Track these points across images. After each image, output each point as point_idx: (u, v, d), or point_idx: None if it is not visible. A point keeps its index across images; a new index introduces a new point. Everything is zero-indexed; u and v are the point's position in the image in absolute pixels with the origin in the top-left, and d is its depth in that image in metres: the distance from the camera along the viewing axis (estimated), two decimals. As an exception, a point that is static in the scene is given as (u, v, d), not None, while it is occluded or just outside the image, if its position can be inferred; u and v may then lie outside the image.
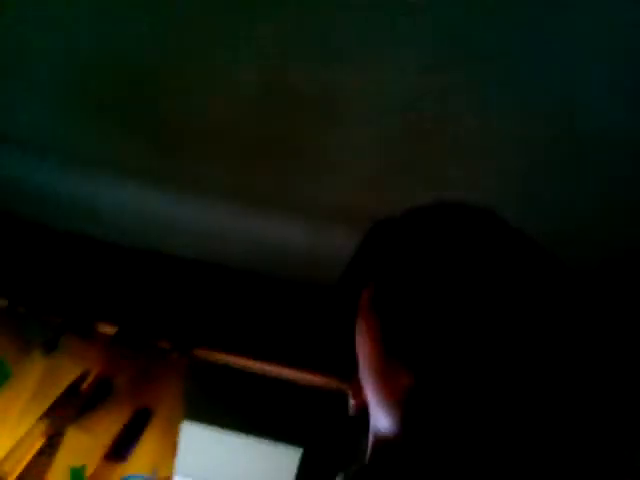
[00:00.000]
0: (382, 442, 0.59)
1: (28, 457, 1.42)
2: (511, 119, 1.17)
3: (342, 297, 0.75)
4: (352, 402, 0.69)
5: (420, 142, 1.27)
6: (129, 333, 1.63)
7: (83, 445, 1.41)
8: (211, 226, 1.69)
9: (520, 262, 0.61)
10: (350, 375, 0.69)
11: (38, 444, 1.44)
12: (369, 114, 1.25)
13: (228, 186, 1.55)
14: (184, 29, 1.17)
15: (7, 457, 1.39)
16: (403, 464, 0.54)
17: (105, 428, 1.45)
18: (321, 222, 1.55)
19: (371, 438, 0.63)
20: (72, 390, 1.52)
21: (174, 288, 1.79)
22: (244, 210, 1.61)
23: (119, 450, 1.44)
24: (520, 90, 1.11)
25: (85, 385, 1.54)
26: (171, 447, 1.46)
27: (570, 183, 1.28)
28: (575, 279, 0.61)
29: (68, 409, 1.48)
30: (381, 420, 0.59)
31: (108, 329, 1.65)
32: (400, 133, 1.27)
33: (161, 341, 1.63)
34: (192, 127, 1.41)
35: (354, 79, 1.18)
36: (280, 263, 1.72)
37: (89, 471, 1.39)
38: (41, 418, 1.46)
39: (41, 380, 1.50)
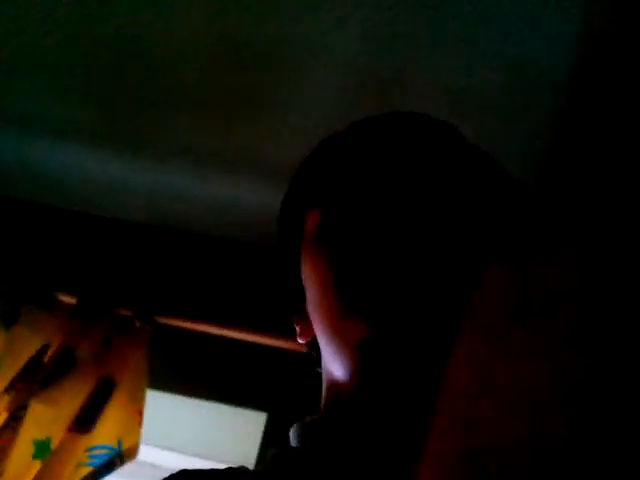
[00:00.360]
0: (336, 389, 0.55)
1: (-8, 431, 1.41)
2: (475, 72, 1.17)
3: (285, 227, 0.65)
4: (301, 340, 0.63)
5: (379, 95, 1.26)
6: (90, 302, 1.61)
7: (47, 417, 1.41)
8: (170, 190, 1.67)
9: (481, 180, 0.56)
10: (299, 311, 0.62)
11: (1, 418, 1.43)
12: (326, 66, 1.23)
13: (187, 149, 1.52)
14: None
15: (-30, 433, 1.38)
16: (359, 416, 0.52)
17: (69, 400, 1.44)
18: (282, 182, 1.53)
19: (324, 383, 0.58)
20: (34, 363, 1.50)
21: (133, 255, 1.77)
22: (205, 173, 1.59)
23: (84, 421, 1.43)
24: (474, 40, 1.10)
25: (47, 357, 1.52)
26: (136, 416, 1.47)
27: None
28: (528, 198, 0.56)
29: (31, 382, 1.47)
30: (334, 365, 0.55)
31: (68, 299, 1.63)
32: (359, 86, 1.25)
33: (122, 309, 1.61)
34: (149, 89, 1.38)
35: (307, 31, 1.16)
36: (241, 225, 1.71)
37: (54, 443, 1.39)
38: (4, 392, 1.44)
39: (2, 354, 1.48)
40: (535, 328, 0.26)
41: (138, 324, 1.58)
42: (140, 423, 1.46)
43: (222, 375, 1.60)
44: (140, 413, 1.47)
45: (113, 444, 1.43)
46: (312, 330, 0.58)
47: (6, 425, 1.42)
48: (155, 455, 1.58)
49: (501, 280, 0.30)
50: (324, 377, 0.58)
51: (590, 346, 0.24)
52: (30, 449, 1.37)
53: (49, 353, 1.52)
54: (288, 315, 0.65)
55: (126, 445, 1.43)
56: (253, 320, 1.58)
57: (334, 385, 0.55)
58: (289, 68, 1.25)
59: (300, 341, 0.63)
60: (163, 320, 1.61)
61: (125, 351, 1.54)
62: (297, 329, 0.63)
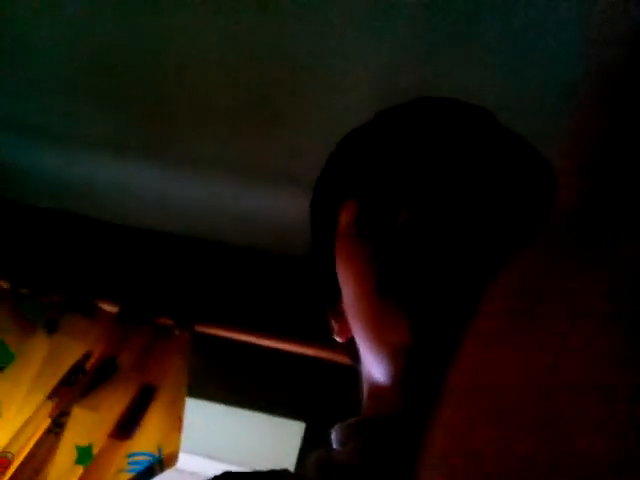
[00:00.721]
0: (376, 391, 0.52)
1: (35, 437, 1.43)
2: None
3: (318, 219, 0.61)
4: (338, 339, 0.59)
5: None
6: (131, 311, 1.63)
7: (89, 424, 1.42)
8: (209, 202, 1.68)
9: (523, 168, 0.51)
10: (334, 309, 0.58)
11: (45, 424, 1.45)
12: (351, 81, 1.23)
13: (226, 162, 1.54)
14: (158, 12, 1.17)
15: (15, 438, 1.40)
16: (400, 421, 0.47)
17: (110, 406, 1.46)
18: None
19: (364, 382, 0.55)
20: (76, 370, 1.52)
21: (174, 265, 1.79)
22: (246, 186, 1.60)
23: (124, 428, 1.45)
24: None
25: (89, 364, 1.54)
26: (176, 423, 1.47)
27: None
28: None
29: (73, 389, 1.49)
30: (373, 368, 0.51)
31: (110, 307, 1.65)
32: (380, 99, 1.25)
33: (163, 318, 1.63)
34: (178, 102, 1.39)
35: (327, 44, 1.16)
36: (279, 238, 1.71)
37: (95, 449, 1.41)
38: (47, 398, 1.46)
39: (45, 361, 1.51)
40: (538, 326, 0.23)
41: (178, 332, 1.60)
42: (180, 430, 1.47)
43: (261, 384, 1.60)
44: (180, 420, 1.48)
45: (153, 451, 1.44)
46: (349, 329, 0.54)
47: (49, 431, 1.44)
48: (195, 463, 1.59)
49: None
50: (364, 376, 0.55)
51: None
52: (73, 455, 1.38)
53: (91, 360, 1.54)
54: (323, 313, 0.61)
55: (166, 452, 1.44)
56: (292, 329, 1.58)
57: (375, 387, 0.52)
58: (310, 81, 1.26)
59: (337, 339, 0.59)
60: (203, 329, 1.62)
61: (165, 358, 1.55)
62: (334, 327, 0.59)
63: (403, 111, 0.57)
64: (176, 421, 1.47)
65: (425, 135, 0.52)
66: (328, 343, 0.64)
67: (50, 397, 1.47)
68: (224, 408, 1.58)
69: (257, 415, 1.56)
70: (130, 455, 1.42)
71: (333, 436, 0.53)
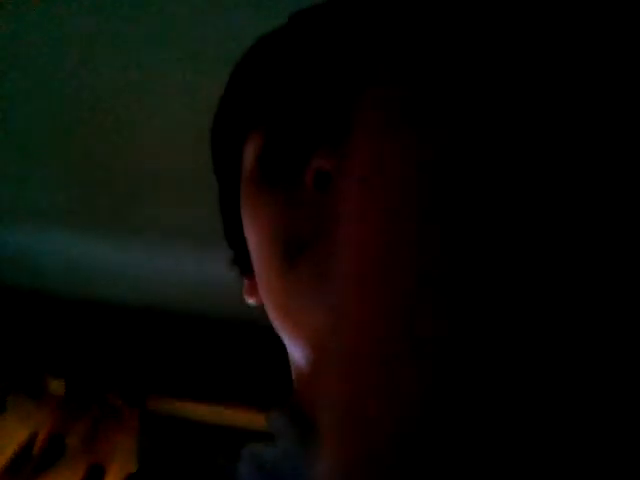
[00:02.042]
0: (297, 370, 0.40)
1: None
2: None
3: (220, 156, 0.46)
4: (250, 300, 0.45)
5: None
6: (78, 391, 1.62)
7: (38, 508, 1.41)
8: (152, 271, 1.68)
9: None
10: (244, 265, 0.45)
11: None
12: None
13: (167, 229, 1.54)
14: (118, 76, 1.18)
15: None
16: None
17: (60, 488, 1.45)
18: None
19: (291, 364, 0.42)
20: (24, 452, 1.50)
21: (120, 339, 1.78)
22: (185, 252, 1.60)
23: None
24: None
25: (36, 448, 1.52)
26: (127, 503, 1.47)
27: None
28: None
29: (21, 472, 1.47)
30: (288, 345, 0.40)
31: (57, 387, 1.64)
32: None
33: (111, 395, 1.62)
34: (128, 171, 1.40)
35: None
36: (224, 304, 1.71)
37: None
38: (-8, 484, 1.44)
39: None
40: None
41: (127, 410, 1.60)
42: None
43: (212, 459, 1.60)
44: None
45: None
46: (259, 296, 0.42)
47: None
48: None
49: None
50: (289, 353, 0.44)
51: None
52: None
53: (37, 442, 1.53)
54: (233, 265, 0.49)
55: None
56: (243, 398, 1.59)
57: (298, 370, 0.41)
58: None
59: (249, 300, 0.46)
60: (153, 404, 1.62)
61: (114, 437, 1.55)
62: (245, 283, 0.47)
63: (327, 13, 0.40)
64: (128, 500, 1.47)
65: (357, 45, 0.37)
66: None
67: (-5, 483, 1.45)
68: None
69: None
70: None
71: (269, 422, 0.41)
